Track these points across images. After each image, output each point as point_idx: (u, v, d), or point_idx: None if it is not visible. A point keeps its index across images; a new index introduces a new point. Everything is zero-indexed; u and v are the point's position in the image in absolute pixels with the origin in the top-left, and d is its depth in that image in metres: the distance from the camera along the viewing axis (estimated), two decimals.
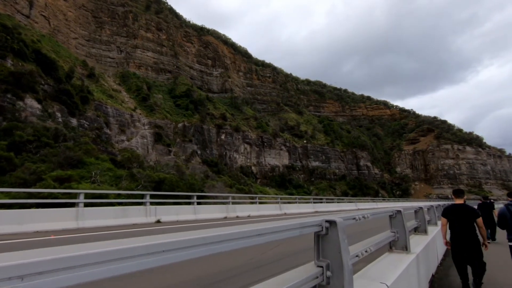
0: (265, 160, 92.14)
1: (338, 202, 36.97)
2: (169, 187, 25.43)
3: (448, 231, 6.10)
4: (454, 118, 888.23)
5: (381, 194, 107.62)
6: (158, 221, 13.49)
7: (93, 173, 23.27)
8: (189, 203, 16.98)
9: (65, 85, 47.16)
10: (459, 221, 5.78)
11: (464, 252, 5.71)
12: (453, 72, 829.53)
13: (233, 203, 19.63)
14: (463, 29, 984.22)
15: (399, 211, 4.02)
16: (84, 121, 48.52)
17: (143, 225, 12.28)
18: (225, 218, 17.01)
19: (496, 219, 6.38)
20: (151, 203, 14.67)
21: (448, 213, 6.00)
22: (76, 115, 46.98)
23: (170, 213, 14.77)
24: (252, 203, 25.99)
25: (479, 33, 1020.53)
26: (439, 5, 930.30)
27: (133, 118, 63.30)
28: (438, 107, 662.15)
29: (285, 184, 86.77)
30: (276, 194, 66.68)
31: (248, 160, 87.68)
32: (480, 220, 5.74)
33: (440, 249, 8.66)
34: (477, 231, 5.79)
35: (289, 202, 29.88)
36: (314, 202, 30.53)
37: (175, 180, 26.08)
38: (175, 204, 16.99)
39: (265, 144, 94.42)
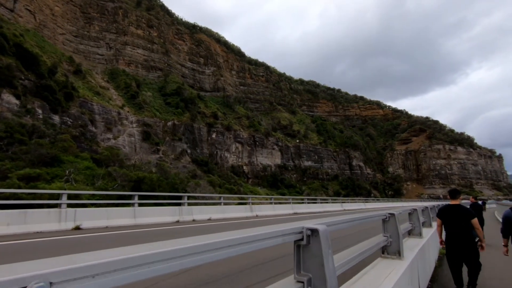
0: (257, 159, 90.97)
1: (321, 203, 33.98)
2: (149, 186, 24.18)
3: (444, 232, 6.14)
4: (445, 119, 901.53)
5: (374, 194, 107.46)
6: (77, 228, 11.04)
7: (67, 172, 21.88)
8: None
9: (47, 80, 45.36)
10: (454, 221, 5.76)
11: (459, 253, 5.67)
12: (443, 74, 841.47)
13: (189, 204, 17.09)
14: (452, 32, 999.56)
15: (315, 230, 1.99)
16: (67, 118, 46.76)
17: (51, 233, 9.76)
18: (177, 222, 14.36)
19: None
20: (70, 205, 12.24)
21: (443, 213, 5.98)
22: (58, 112, 45.23)
23: (98, 217, 11.97)
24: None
25: (468, 37, 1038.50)
26: (428, 9, 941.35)
27: (120, 116, 61.52)
28: (430, 108, 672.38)
29: (277, 184, 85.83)
30: (267, 194, 65.57)
31: (240, 160, 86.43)
32: (475, 220, 5.64)
33: (434, 252, 8.40)
34: (474, 232, 5.71)
35: (260, 203, 27.58)
36: (293, 203, 27.45)
37: (156, 179, 24.81)
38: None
39: (257, 143, 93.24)
